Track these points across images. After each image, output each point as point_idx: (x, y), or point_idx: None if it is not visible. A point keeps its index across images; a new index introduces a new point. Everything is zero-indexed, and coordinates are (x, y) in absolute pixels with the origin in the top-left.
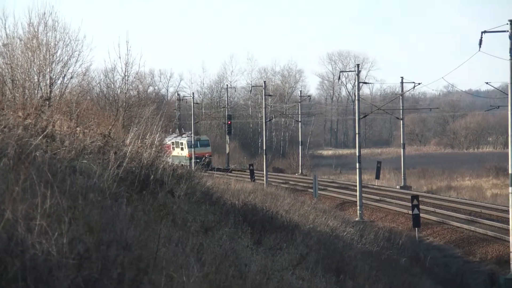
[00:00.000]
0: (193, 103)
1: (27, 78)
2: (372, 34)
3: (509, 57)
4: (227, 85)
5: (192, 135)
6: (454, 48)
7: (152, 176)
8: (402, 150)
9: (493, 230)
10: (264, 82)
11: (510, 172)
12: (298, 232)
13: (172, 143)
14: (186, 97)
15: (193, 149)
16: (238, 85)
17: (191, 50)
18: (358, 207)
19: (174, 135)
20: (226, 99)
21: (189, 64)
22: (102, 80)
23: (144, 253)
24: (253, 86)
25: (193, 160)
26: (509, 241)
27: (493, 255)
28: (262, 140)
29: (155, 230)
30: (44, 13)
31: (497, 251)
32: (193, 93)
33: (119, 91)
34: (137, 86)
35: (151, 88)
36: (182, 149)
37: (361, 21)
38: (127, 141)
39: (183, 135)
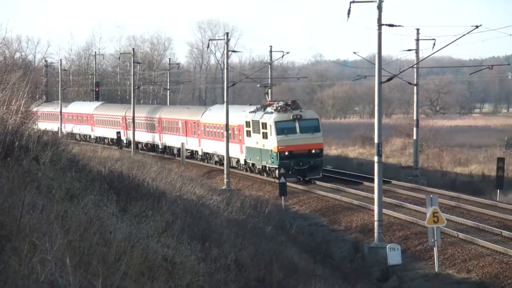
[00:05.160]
0: (61, 69)
1: None
2: (242, 2)
3: (376, 27)
4: (95, 52)
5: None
6: (323, 17)
7: (17, 143)
8: None
9: (358, 199)
10: (133, 49)
11: (376, 141)
12: (164, 199)
13: (247, 123)
14: (53, 64)
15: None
16: (106, 52)
17: (59, 16)
18: (225, 175)
19: (249, 109)
20: (95, 66)
21: (57, 31)
22: None
23: (7, 220)
24: (121, 53)
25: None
26: (373, 210)
27: (357, 224)
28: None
29: (19, 197)
30: None
31: (361, 220)
32: (60, 59)
33: None
34: (4, 51)
35: (18, 54)
36: (265, 135)
37: None
38: None
39: (267, 108)
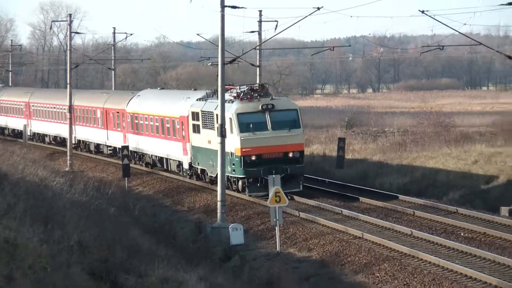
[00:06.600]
0: None
1: None
2: None
3: (219, 9)
4: None
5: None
6: None
7: None
8: None
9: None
10: None
11: (219, 122)
12: (6, 181)
13: (194, 114)
14: None
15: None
16: None
17: None
18: (68, 157)
19: (196, 94)
20: None
21: None
22: None
23: None
24: None
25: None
26: (216, 191)
27: (201, 204)
28: None
29: None
30: None
31: (205, 200)
32: None
33: None
34: None
35: None
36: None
37: None
38: None
39: (226, 92)
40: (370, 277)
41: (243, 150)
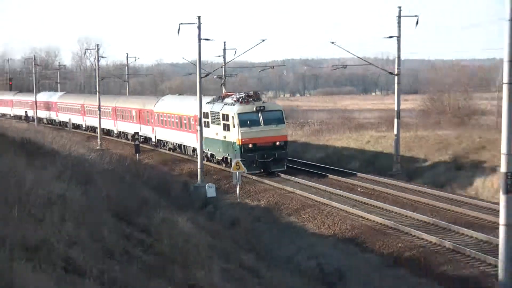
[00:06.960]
0: None
1: None
2: (108, 23)
3: (197, 41)
4: (8, 58)
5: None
6: (164, 31)
7: None
8: None
9: (187, 155)
10: (34, 56)
11: (198, 115)
12: (58, 156)
13: (205, 114)
14: None
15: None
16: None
17: None
18: (98, 139)
19: (205, 99)
20: (8, 67)
21: None
22: None
23: None
24: (26, 59)
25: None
26: (197, 161)
27: (187, 171)
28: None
29: None
30: None
31: (189, 168)
32: None
33: None
34: None
35: None
36: (226, 127)
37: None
38: None
39: (226, 99)
40: (299, 218)
41: (243, 140)
